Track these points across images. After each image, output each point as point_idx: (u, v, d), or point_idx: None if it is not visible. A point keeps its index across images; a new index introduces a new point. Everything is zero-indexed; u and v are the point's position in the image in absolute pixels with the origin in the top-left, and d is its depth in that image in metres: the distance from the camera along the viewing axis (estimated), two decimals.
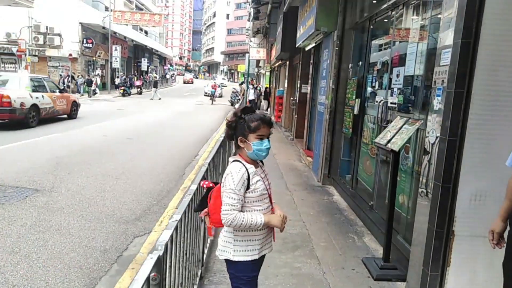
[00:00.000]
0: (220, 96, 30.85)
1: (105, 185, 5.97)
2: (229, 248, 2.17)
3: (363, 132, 5.56)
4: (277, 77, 19.01)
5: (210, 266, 3.51)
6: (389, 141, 3.49)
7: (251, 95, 19.02)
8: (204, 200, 2.28)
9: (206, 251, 3.55)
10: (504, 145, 2.65)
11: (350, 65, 6.33)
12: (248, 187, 2.10)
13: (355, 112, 5.75)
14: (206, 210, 2.24)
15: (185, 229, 2.43)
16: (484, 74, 2.60)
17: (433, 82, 2.94)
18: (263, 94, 21.47)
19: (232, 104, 23.69)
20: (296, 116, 11.05)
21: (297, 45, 9.76)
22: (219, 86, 30.99)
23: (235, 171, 2.09)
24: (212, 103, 24.89)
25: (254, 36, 25.23)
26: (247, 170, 2.11)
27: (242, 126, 2.14)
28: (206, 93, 30.21)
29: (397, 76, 4.43)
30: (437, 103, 2.84)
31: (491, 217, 2.71)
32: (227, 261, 2.21)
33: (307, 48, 9.45)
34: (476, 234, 2.74)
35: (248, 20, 29.94)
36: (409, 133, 3.29)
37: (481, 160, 2.68)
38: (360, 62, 5.90)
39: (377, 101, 4.94)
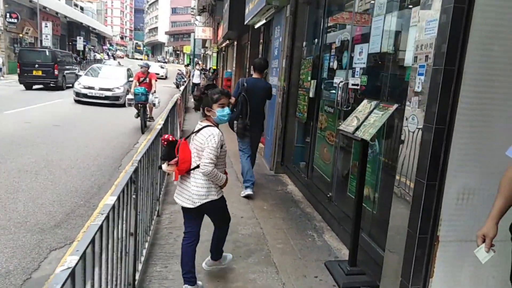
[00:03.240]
0: (165, 78, 29.43)
1: (19, 183, 4.98)
2: (213, 190, 2.72)
3: (319, 117, 5.08)
4: (224, 58, 18.17)
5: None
6: (357, 129, 2.99)
7: (196, 78, 17.37)
8: (172, 151, 2.67)
9: (140, 267, 2.86)
10: (497, 133, 2.24)
11: (305, 43, 5.79)
12: (221, 147, 2.71)
13: (311, 95, 5.25)
14: (176, 159, 2.64)
15: (109, 240, 1.75)
16: (478, 48, 2.13)
17: (413, 58, 2.45)
18: (210, 76, 19.77)
19: (178, 86, 22.44)
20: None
21: (245, 23, 9.07)
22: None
23: (216, 134, 2.66)
24: None
25: (199, 15, 23.97)
26: (222, 134, 2.72)
27: (206, 98, 2.75)
28: None
29: (360, 54, 3.94)
30: (419, 83, 2.36)
31: (479, 218, 2.30)
32: (212, 202, 2.71)
33: (256, 26, 8.79)
34: (462, 238, 2.33)
35: None
36: (381, 119, 2.80)
37: (471, 152, 2.25)
38: (316, 40, 5.38)
39: (336, 83, 4.46)
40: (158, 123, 4.82)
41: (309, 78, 5.33)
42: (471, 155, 2.25)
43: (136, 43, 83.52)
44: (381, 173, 3.53)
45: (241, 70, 12.28)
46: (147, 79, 9.63)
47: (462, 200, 2.30)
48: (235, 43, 12.94)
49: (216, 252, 3.05)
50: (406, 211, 2.40)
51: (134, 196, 2.46)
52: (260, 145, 8.11)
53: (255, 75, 5.19)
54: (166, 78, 29.94)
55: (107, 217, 1.74)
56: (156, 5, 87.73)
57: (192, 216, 2.80)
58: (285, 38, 6.17)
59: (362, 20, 4.14)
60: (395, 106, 2.79)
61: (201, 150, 2.65)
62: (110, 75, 14.55)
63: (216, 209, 2.84)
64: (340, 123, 4.31)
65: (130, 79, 13.60)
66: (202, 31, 20.95)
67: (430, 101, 2.23)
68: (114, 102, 13.42)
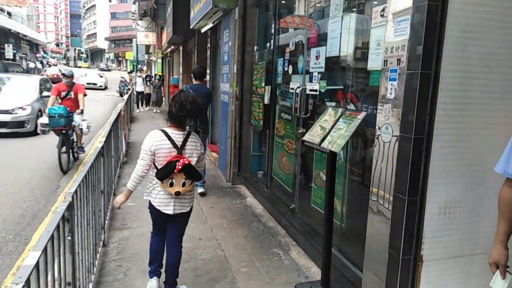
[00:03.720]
0: (103, 89, 26.46)
1: None
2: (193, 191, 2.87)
3: (276, 124, 4.84)
4: (170, 64, 17.50)
5: None
6: (323, 139, 2.76)
7: (139, 86, 15.54)
8: (196, 172, 2.72)
9: None
10: (477, 140, 2.09)
11: (256, 47, 5.53)
12: None
13: (266, 101, 4.99)
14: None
15: None
16: (454, 49, 1.97)
17: (382, 62, 2.25)
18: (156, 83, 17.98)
19: (121, 94, 21.29)
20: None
21: (191, 27, 8.65)
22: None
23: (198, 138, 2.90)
24: None
25: (141, 19, 22.97)
26: None
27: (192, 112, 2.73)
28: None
29: (317, 58, 3.74)
30: (391, 89, 2.16)
31: (462, 232, 2.16)
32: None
33: (203, 30, 8.41)
34: (446, 255, 2.16)
35: (134, 2, 27.28)
36: (350, 129, 2.58)
37: (451, 163, 2.08)
38: (268, 44, 5.14)
39: (292, 88, 4.23)
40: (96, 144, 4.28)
41: (263, 84, 5.08)
42: (452, 166, 2.08)
43: (79, 49, 78.07)
44: (348, 183, 3.34)
45: (188, 76, 11.80)
46: (72, 93, 6.76)
47: (444, 214, 2.12)
48: (181, 48, 12.43)
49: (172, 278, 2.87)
50: (385, 229, 2.19)
51: (69, 238, 2.01)
52: (214, 154, 7.75)
53: (196, 82, 5.55)
54: (105, 88, 26.92)
55: (27, 281, 1.31)
56: (94, 10, 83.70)
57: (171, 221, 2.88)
58: (234, 42, 5.87)
59: (315, 23, 3.95)
60: (363, 114, 2.59)
61: (195, 157, 2.77)
62: (13, 90, 10.07)
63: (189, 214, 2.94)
64: (299, 131, 4.10)
65: (46, 94, 9.54)
66: (144, 37, 20.05)
67: (406, 108, 2.03)
68: (15, 130, 8.99)
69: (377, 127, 2.30)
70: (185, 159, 2.62)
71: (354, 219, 3.29)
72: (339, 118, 2.79)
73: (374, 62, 2.76)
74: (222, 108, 6.98)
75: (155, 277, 2.88)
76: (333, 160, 2.78)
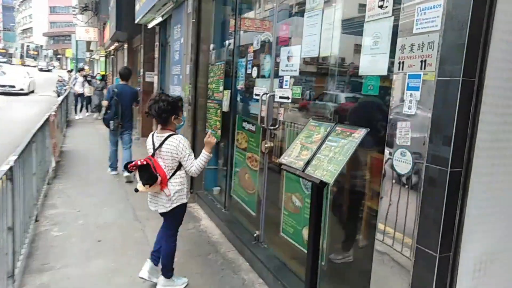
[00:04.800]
0: (26, 93, 20.74)
1: None
2: (183, 193, 2.91)
3: (236, 136, 4.17)
4: (114, 63, 16.14)
5: None
6: (308, 163, 2.14)
7: (78, 86, 13.26)
8: (152, 174, 2.74)
9: None
10: None
11: (212, 45, 4.83)
12: None
13: (225, 108, 4.31)
14: (159, 179, 2.75)
15: None
16: (502, 48, 1.43)
17: (396, 64, 1.67)
18: (97, 84, 15.97)
19: (59, 95, 19.35)
20: (140, 111, 9.00)
21: (136, 21, 7.73)
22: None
23: (183, 140, 2.84)
24: None
25: (82, 13, 21.18)
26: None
27: (174, 107, 2.85)
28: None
29: (289, 59, 3.13)
30: (410, 102, 1.58)
31: None
32: (182, 204, 2.94)
33: (150, 25, 7.53)
34: None
35: None
36: (346, 152, 1.97)
37: (491, 203, 1.54)
38: (228, 42, 4.46)
39: (257, 95, 3.60)
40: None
41: (220, 88, 4.39)
42: (492, 207, 1.54)
43: (27, 45, 70.26)
44: (329, 213, 2.75)
45: (134, 76, 10.74)
46: None
47: (479, 271, 1.58)
48: (126, 46, 11.33)
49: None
50: (400, 281, 1.60)
51: None
52: None
53: (122, 82, 6.07)
54: (30, 92, 21.65)
55: None
56: (29, 2, 77.53)
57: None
58: (187, 40, 5.13)
59: (285, 17, 3.35)
60: (362, 131, 2.00)
61: (174, 159, 2.82)
62: None
63: (182, 212, 3.01)
64: (266, 145, 3.48)
65: None
66: (85, 32, 18.32)
67: (438, 129, 1.46)
68: None
69: (386, 151, 1.72)
70: (143, 161, 2.76)
71: (339, 256, 2.72)
72: (327, 136, 2.18)
73: (369, 65, 2.20)
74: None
75: (149, 260, 3.07)
76: (321, 191, 2.16)
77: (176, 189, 2.84)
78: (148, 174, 2.73)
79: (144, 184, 2.79)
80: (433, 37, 1.49)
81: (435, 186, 1.47)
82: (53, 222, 4.13)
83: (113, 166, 6.30)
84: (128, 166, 2.79)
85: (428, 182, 1.50)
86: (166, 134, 2.81)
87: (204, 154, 2.87)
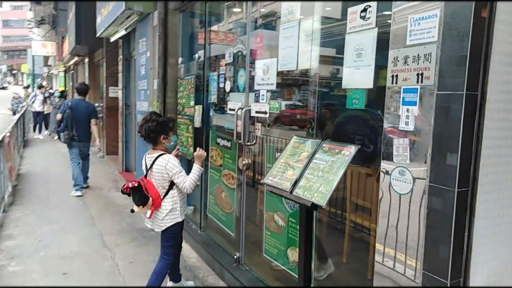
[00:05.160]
0: None
1: None
2: (176, 212, 2.90)
3: (210, 152, 3.98)
4: (74, 78, 15.46)
5: None
6: (295, 184, 1.99)
7: (37, 104, 12.46)
8: (143, 195, 2.77)
9: None
10: None
11: (181, 59, 4.63)
12: None
13: (197, 124, 4.12)
14: (151, 200, 2.78)
15: None
16: (501, 61, 1.36)
17: (389, 78, 1.58)
18: (55, 102, 14.36)
19: (14, 113, 18.23)
20: (104, 127, 8.59)
21: (98, 34, 7.38)
22: None
23: (172, 158, 2.86)
24: None
25: (38, 27, 20.24)
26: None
27: (163, 127, 2.87)
28: None
29: (265, 72, 3.01)
30: (407, 117, 1.49)
31: None
32: (177, 223, 2.93)
33: (113, 39, 7.21)
34: None
35: (30, 9, 24.06)
36: (337, 171, 1.85)
37: (496, 222, 1.46)
38: (197, 55, 4.28)
39: (231, 109, 3.44)
40: None
41: (191, 103, 4.19)
42: (497, 225, 1.46)
43: None
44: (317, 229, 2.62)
45: (96, 91, 10.28)
46: None
47: None
48: (87, 60, 10.85)
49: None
50: None
51: None
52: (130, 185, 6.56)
53: (79, 97, 6.30)
54: None
55: None
56: None
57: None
58: (154, 53, 4.92)
59: (263, 27, 3.24)
60: (353, 148, 1.88)
61: (165, 179, 2.84)
62: None
63: (178, 230, 2.99)
64: (244, 162, 3.32)
65: None
66: (42, 46, 17.46)
67: (441, 147, 1.36)
68: None
69: (382, 170, 1.61)
70: (135, 182, 2.79)
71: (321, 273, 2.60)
72: (314, 153, 2.06)
73: (353, 78, 2.12)
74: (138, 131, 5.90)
75: (170, 282, 3.22)
76: (311, 213, 2.03)
77: (168, 208, 2.85)
78: (139, 195, 2.77)
79: (136, 205, 2.83)
80: (430, 48, 1.41)
81: (441, 208, 1.37)
82: (10, 256, 3.74)
83: (79, 185, 6.09)
84: (122, 189, 2.82)
85: (433, 203, 1.39)
86: (156, 154, 2.84)
87: (197, 168, 2.89)
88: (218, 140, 3.78)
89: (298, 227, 2.68)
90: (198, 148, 2.99)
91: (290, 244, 2.81)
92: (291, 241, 2.79)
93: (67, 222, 4.79)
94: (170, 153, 2.95)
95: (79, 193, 5.98)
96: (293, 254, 2.79)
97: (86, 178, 6.46)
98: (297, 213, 2.67)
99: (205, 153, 2.98)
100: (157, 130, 2.81)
